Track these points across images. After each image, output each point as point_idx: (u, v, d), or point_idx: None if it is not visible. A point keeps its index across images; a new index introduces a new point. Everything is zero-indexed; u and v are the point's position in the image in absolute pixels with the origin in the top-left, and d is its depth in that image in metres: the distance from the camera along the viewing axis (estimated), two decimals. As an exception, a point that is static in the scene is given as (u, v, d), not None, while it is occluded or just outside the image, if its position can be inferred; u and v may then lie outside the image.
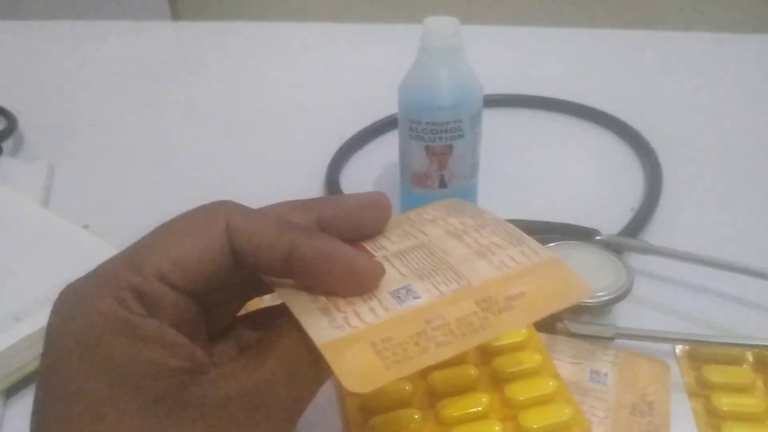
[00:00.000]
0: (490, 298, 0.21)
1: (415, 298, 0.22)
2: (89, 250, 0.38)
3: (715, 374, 0.32)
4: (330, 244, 0.22)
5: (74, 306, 0.21)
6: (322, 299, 0.22)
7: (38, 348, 0.33)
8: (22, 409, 0.33)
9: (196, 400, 0.19)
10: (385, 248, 0.24)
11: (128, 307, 0.20)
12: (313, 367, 0.21)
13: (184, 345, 0.21)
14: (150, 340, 0.20)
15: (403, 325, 0.21)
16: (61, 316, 0.21)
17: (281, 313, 0.22)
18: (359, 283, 0.22)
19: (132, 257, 0.21)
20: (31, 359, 0.33)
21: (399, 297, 0.22)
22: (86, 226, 0.42)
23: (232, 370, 0.20)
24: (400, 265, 0.23)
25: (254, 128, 0.59)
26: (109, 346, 0.19)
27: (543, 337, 0.33)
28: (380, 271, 0.22)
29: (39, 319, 0.33)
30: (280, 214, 0.23)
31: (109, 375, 0.19)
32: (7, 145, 0.55)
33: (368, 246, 0.24)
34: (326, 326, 0.21)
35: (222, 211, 0.22)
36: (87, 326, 0.20)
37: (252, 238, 0.22)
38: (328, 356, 0.19)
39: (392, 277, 0.22)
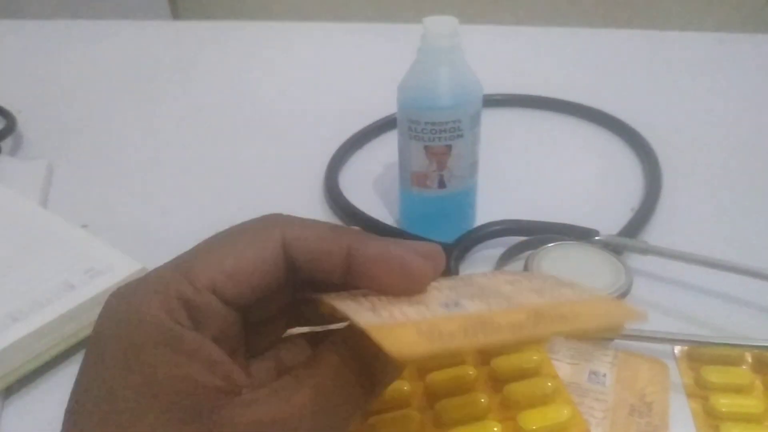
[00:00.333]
0: (540, 313, 0.21)
1: (463, 308, 0.21)
2: (88, 250, 0.38)
3: (714, 375, 0.32)
4: (386, 245, 0.22)
5: (122, 311, 0.20)
6: (369, 303, 0.21)
7: (36, 347, 0.33)
8: (20, 408, 0.33)
9: (226, 422, 0.19)
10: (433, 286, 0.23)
11: (175, 318, 0.20)
12: (349, 399, 0.20)
13: (224, 362, 0.20)
14: (191, 355, 0.20)
15: (451, 322, 0.21)
16: (108, 320, 0.21)
17: (322, 339, 0.22)
18: (412, 281, 0.22)
19: (186, 266, 0.21)
20: (28, 359, 0.33)
21: (447, 306, 0.22)
22: (85, 226, 0.42)
23: (266, 395, 0.20)
24: (450, 291, 0.23)
25: (254, 127, 0.59)
26: (150, 356, 0.19)
27: (542, 337, 0.33)
28: (432, 270, 0.22)
29: (37, 319, 0.33)
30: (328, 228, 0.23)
31: (145, 385, 0.19)
32: (6, 144, 0.55)
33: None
34: (372, 316, 0.20)
35: (278, 223, 0.22)
36: (132, 332, 0.20)
37: (310, 246, 0.22)
38: (373, 333, 0.19)
39: (442, 295, 0.22)
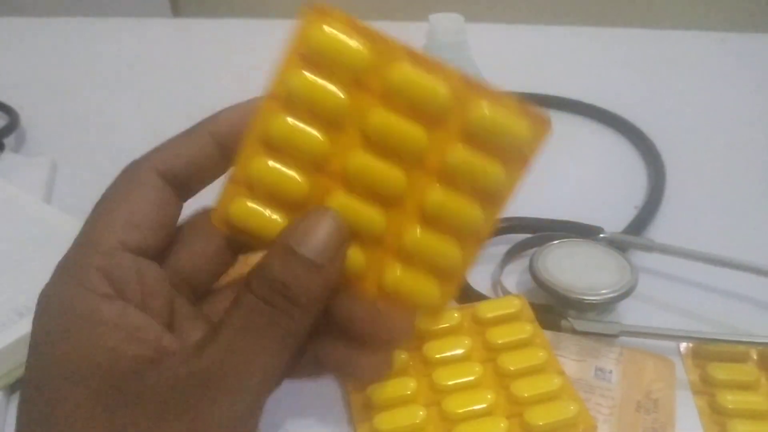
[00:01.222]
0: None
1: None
2: (93, 246, 0.38)
3: (720, 372, 0.32)
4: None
5: (47, 301, 0.20)
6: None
7: (42, 344, 0.33)
8: (25, 404, 0.33)
9: (148, 388, 0.18)
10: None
11: (94, 289, 0.19)
12: (274, 334, 0.19)
13: (149, 329, 0.20)
14: (112, 326, 0.19)
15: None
16: (38, 315, 0.20)
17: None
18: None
19: (88, 238, 0.21)
20: (34, 355, 0.33)
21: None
22: (89, 223, 0.42)
23: (186, 352, 0.19)
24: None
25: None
26: (72, 336, 0.19)
27: (548, 334, 0.33)
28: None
29: (42, 315, 0.33)
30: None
31: (68, 367, 0.19)
32: (10, 141, 0.54)
33: None
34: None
35: (141, 162, 0.22)
36: (56, 318, 0.20)
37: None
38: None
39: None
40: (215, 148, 0.23)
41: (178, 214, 0.23)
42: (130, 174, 0.22)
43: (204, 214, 0.23)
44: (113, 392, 0.18)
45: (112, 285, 0.20)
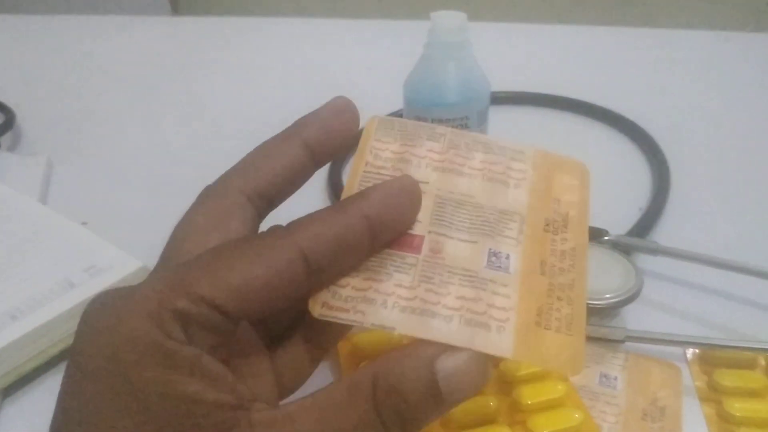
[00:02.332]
0: (546, 219, 0.24)
1: (506, 258, 0.22)
2: (88, 248, 0.38)
3: (727, 378, 0.31)
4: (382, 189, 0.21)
5: (104, 323, 0.18)
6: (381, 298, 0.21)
7: (36, 346, 0.33)
8: (19, 408, 0.32)
9: None
10: (417, 221, 0.22)
11: (166, 331, 0.18)
12: (362, 419, 0.18)
13: (225, 376, 0.18)
14: (187, 371, 0.18)
15: (537, 289, 0.21)
16: (91, 333, 0.19)
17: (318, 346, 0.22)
18: (410, 199, 0.22)
19: (183, 276, 0.19)
20: (27, 358, 0.33)
21: (499, 267, 0.22)
22: (84, 223, 0.41)
23: (276, 417, 0.18)
24: (454, 232, 0.22)
25: (256, 124, 0.58)
26: (141, 376, 0.17)
27: (551, 339, 0.33)
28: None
29: (36, 318, 0.33)
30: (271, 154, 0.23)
31: (139, 410, 0.17)
32: (5, 140, 0.54)
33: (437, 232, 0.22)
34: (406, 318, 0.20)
35: (227, 188, 0.22)
36: (118, 348, 0.18)
37: (331, 244, 0.20)
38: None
39: (467, 251, 0.22)
40: (307, 155, 0.23)
41: (297, 298, 0.21)
42: (213, 202, 0.22)
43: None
44: None
45: (184, 331, 0.18)
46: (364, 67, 0.68)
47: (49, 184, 0.49)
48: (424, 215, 0.22)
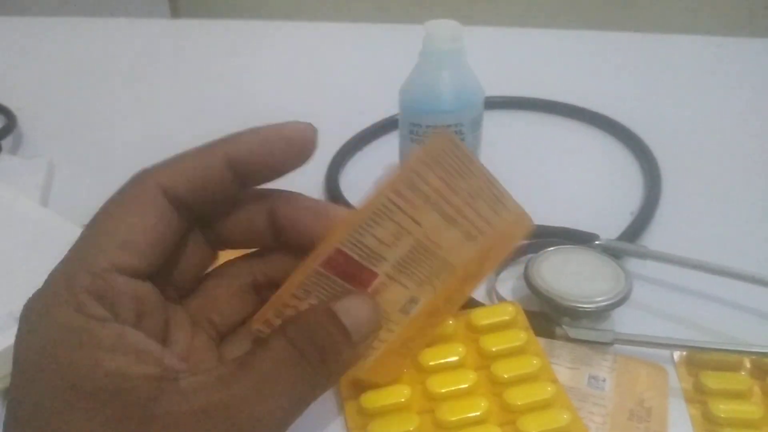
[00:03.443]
0: (468, 273, 0.26)
1: (417, 303, 0.25)
2: (88, 250, 0.38)
3: (713, 380, 0.32)
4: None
5: (35, 320, 0.20)
6: None
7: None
8: (20, 409, 0.33)
9: (163, 414, 0.18)
10: (385, 259, 0.23)
11: (87, 312, 0.19)
12: (297, 385, 0.20)
13: (151, 349, 0.20)
14: (111, 348, 0.19)
15: (412, 326, 0.26)
16: (24, 332, 0.20)
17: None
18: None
19: (81, 255, 0.20)
20: (29, 359, 0.33)
21: (406, 311, 0.25)
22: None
23: (206, 382, 0.19)
24: (404, 278, 0.24)
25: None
26: (68, 360, 0.18)
27: (541, 341, 0.33)
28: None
29: (38, 319, 0.33)
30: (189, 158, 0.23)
31: (68, 391, 0.18)
32: (7, 142, 0.55)
33: (368, 263, 0.23)
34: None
35: (149, 176, 0.22)
36: (47, 340, 0.19)
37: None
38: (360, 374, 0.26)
39: (398, 295, 0.25)
40: (228, 170, 0.22)
41: (179, 234, 0.22)
42: (134, 188, 0.22)
43: (231, 261, 0.25)
44: (122, 419, 0.18)
45: (104, 306, 0.20)
46: (362, 71, 0.69)
47: (50, 187, 0.50)
48: (394, 256, 0.23)
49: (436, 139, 0.23)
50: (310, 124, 0.23)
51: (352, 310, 0.22)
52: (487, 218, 0.25)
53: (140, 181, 0.22)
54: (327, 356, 0.21)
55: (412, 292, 0.25)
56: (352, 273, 0.23)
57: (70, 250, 0.21)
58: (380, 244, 0.23)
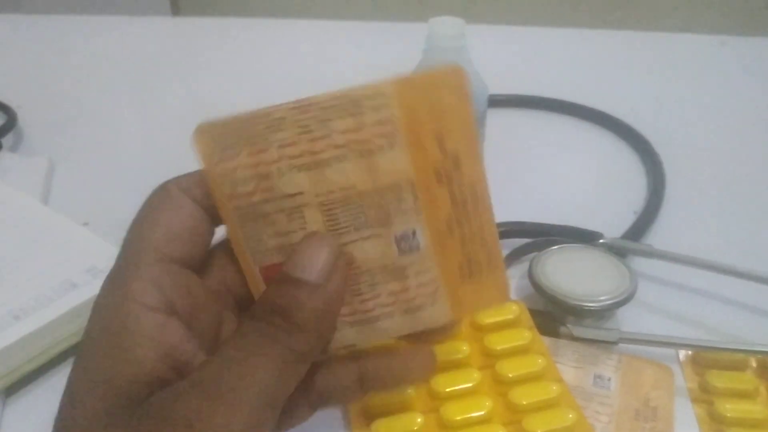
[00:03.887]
0: (435, 169, 0.21)
1: (413, 235, 0.22)
2: (89, 249, 0.38)
3: (719, 380, 0.32)
4: None
5: (96, 314, 0.21)
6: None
7: (38, 346, 0.33)
8: (21, 408, 0.33)
9: (154, 408, 0.19)
10: (350, 240, 0.22)
11: (141, 299, 0.20)
12: (272, 353, 0.20)
13: (184, 348, 0.20)
14: (148, 338, 0.20)
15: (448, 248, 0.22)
16: (88, 326, 0.21)
17: None
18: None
19: (133, 249, 0.21)
20: (30, 358, 0.33)
21: (406, 249, 0.22)
22: (86, 224, 0.42)
23: (190, 384, 0.20)
24: (356, 233, 0.22)
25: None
26: (109, 344, 0.19)
27: (546, 341, 0.33)
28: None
29: (38, 318, 0.33)
30: None
31: (96, 375, 0.19)
32: (7, 140, 0.54)
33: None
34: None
35: (170, 184, 0.23)
36: (102, 328, 0.20)
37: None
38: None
39: (372, 246, 0.22)
40: None
41: (212, 234, 0.23)
42: (162, 193, 0.23)
43: None
44: (124, 410, 0.19)
45: (162, 296, 0.20)
46: (363, 69, 0.68)
47: (50, 185, 0.49)
48: (318, 229, 0.21)
49: (196, 136, 0.22)
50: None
51: (298, 259, 0.21)
52: (366, 124, 0.21)
53: (162, 188, 0.23)
54: (290, 312, 0.20)
55: (386, 236, 0.21)
56: None
57: (121, 250, 0.22)
58: (287, 235, 0.21)
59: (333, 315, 0.21)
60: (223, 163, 0.21)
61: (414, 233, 0.21)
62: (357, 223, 0.21)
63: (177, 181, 0.23)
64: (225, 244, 0.23)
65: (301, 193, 0.21)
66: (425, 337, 0.23)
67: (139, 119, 0.60)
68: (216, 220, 0.23)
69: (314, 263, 0.20)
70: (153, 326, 0.20)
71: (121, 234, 0.40)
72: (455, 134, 0.21)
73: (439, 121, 0.21)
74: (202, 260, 0.23)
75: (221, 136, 0.21)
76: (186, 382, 0.19)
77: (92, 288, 0.35)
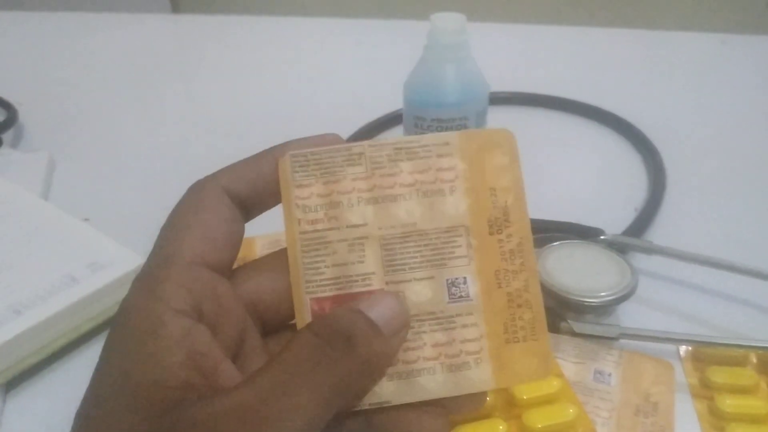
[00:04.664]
0: (489, 219, 0.22)
1: (464, 283, 0.22)
2: (90, 244, 0.38)
3: (719, 375, 0.32)
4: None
5: (122, 315, 0.20)
6: None
7: (38, 341, 0.33)
8: (22, 402, 0.33)
9: (186, 418, 0.18)
10: (369, 274, 0.22)
11: (169, 302, 0.19)
12: (324, 373, 0.19)
13: (210, 355, 0.19)
14: (176, 340, 0.19)
15: (497, 306, 0.22)
16: (114, 327, 0.20)
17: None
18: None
19: (166, 250, 0.21)
20: (30, 353, 0.33)
21: (457, 296, 0.22)
22: (86, 219, 0.42)
23: (230, 387, 0.19)
24: (410, 273, 0.22)
25: (256, 123, 0.58)
26: (135, 348, 0.19)
27: (547, 336, 0.33)
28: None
29: (39, 312, 0.33)
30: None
31: (125, 381, 0.18)
32: (8, 136, 0.54)
33: (355, 288, 0.22)
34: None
35: (208, 181, 0.22)
36: (128, 330, 0.19)
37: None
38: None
39: (425, 289, 0.22)
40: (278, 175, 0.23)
41: (243, 235, 0.22)
42: (199, 191, 0.22)
43: (281, 251, 0.23)
44: (156, 418, 0.18)
45: (192, 300, 0.20)
46: (364, 67, 0.69)
47: (51, 181, 0.50)
48: (375, 264, 0.22)
49: (281, 163, 0.23)
50: (337, 135, 0.23)
51: (375, 304, 0.20)
52: (432, 167, 0.22)
53: (201, 186, 0.22)
54: (355, 342, 0.19)
55: (438, 279, 0.22)
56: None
57: (153, 250, 0.21)
58: (345, 266, 0.22)
59: (387, 366, 0.21)
60: (300, 189, 0.22)
61: (465, 280, 0.22)
62: (413, 263, 0.22)
63: (215, 177, 0.22)
64: (259, 260, 0.23)
65: (365, 225, 0.22)
66: (457, 407, 0.22)
67: (139, 116, 0.60)
68: (248, 217, 0.22)
69: (388, 315, 0.20)
70: (180, 331, 0.19)
71: (120, 229, 0.40)
72: (507, 190, 0.22)
73: (493, 176, 0.22)
74: (233, 264, 0.22)
75: (305, 163, 0.23)
76: (225, 401, 0.18)
77: (93, 283, 0.35)
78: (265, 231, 0.40)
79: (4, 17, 0.81)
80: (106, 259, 0.37)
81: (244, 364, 0.21)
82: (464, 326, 0.21)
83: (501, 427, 0.28)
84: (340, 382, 0.19)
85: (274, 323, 0.23)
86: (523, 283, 0.22)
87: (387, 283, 0.22)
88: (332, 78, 0.67)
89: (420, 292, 0.22)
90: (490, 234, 0.22)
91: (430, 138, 0.23)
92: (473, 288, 0.22)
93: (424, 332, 0.21)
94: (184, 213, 0.21)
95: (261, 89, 0.65)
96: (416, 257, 0.22)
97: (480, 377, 0.21)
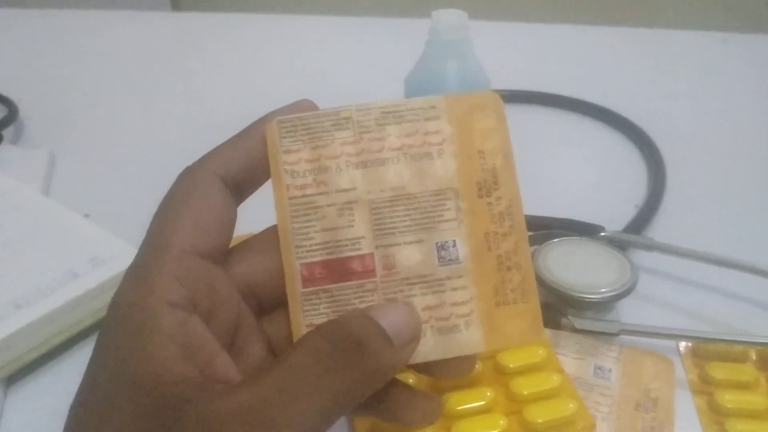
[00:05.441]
0: (477, 182, 0.22)
1: (454, 246, 0.22)
2: (91, 239, 0.38)
3: (719, 371, 0.32)
4: None
5: (115, 308, 0.20)
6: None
7: (39, 335, 0.33)
8: (22, 397, 0.33)
9: (189, 419, 0.17)
10: (358, 238, 0.22)
11: (163, 295, 0.19)
12: (332, 386, 0.18)
13: (204, 347, 0.19)
14: (169, 335, 0.18)
15: (485, 270, 0.22)
16: (107, 319, 0.20)
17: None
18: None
19: (158, 240, 0.20)
20: (31, 348, 0.33)
21: (447, 259, 0.22)
22: (87, 215, 0.42)
23: (236, 384, 0.19)
24: (400, 237, 0.22)
25: (255, 119, 0.58)
26: (129, 342, 0.18)
27: (547, 332, 0.33)
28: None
29: (40, 308, 0.33)
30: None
31: (122, 374, 0.18)
32: (8, 133, 0.54)
33: (346, 252, 0.22)
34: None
35: (199, 166, 0.22)
36: (122, 323, 0.19)
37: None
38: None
39: (415, 252, 0.22)
40: (266, 148, 0.22)
41: (235, 219, 0.22)
42: (190, 177, 0.22)
43: (272, 228, 0.23)
44: (156, 413, 0.18)
45: (185, 292, 0.19)
46: (364, 64, 0.69)
47: (51, 177, 0.50)
48: (365, 228, 0.21)
49: (269, 130, 0.22)
50: (311, 101, 0.23)
51: (388, 314, 0.20)
52: (419, 131, 0.22)
53: (193, 172, 0.22)
54: (365, 351, 0.19)
55: (428, 242, 0.22)
56: (343, 270, 0.21)
57: (144, 240, 0.21)
58: (335, 230, 0.22)
59: (393, 376, 0.20)
60: (287, 154, 0.22)
61: (455, 243, 0.22)
62: (402, 226, 0.22)
63: (206, 162, 0.22)
64: (251, 240, 0.23)
65: (354, 189, 0.22)
66: (446, 371, 0.22)
67: (139, 113, 0.60)
68: (240, 199, 0.22)
69: (400, 325, 0.20)
70: (174, 325, 0.19)
71: (121, 225, 0.40)
72: (495, 152, 0.22)
73: (481, 138, 0.22)
74: (226, 250, 0.22)
75: (292, 129, 0.22)
76: (229, 401, 0.18)
77: (94, 278, 0.35)
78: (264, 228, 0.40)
79: (5, 14, 0.81)
80: (106, 254, 0.37)
81: (240, 350, 0.21)
82: (454, 289, 0.21)
83: (501, 422, 0.28)
84: (346, 390, 0.19)
85: (269, 302, 0.23)
86: (512, 245, 0.22)
87: (377, 247, 0.22)
88: (333, 76, 0.67)
89: (410, 255, 0.22)
90: (479, 197, 0.22)
91: (417, 101, 0.22)
92: (463, 251, 0.22)
93: (414, 296, 0.21)
94: (175, 201, 0.21)
95: (262, 87, 0.65)
96: (405, 221, 0.22)
97: (470, 340, 0.21)
